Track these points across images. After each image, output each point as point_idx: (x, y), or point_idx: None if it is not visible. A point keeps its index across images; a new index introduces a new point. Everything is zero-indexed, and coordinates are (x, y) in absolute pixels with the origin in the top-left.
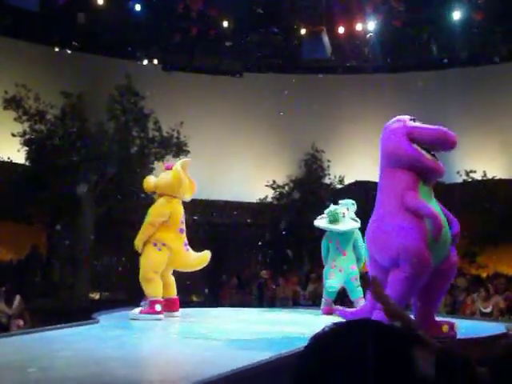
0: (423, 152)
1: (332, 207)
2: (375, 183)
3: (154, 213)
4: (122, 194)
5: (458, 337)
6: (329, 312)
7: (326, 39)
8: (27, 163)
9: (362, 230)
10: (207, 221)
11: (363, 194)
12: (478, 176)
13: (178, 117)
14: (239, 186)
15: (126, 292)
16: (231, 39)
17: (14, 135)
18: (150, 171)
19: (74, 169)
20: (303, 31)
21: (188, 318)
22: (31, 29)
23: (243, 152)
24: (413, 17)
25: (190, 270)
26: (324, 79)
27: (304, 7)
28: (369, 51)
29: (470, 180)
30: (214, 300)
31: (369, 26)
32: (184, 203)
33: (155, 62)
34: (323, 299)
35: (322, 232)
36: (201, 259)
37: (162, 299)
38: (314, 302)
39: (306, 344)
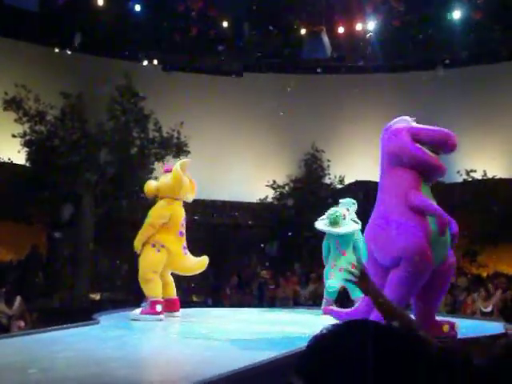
0: (427, 151)
1: (332, 209)
2: (375, 183)
3: (155, 214)
4: (122, 195)
5: (459, 337)
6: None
7: (325, 39)
8: (27, 164)
9: (363, 230)
10: (207, 221)
11: (363, 194)
12: (478, 175)
13: (178, 117)
14: (239, 186)
15: (127, 292)
16: (231, 39)
17: (14, 136)
18: (150, 172)
19: (74, 169)
20: (303, 31)
21: (188, 319)
22: (31, 29)
23: (243, 152)
24: (412, 17)
25: (186, 274)
26: (324, 79)
27: (304, 7)
28: (369, 51)
29: (470, 179)
30: (214, 300)
31: (369, 25)
32: (184, 204)
33: (155, 62)
34: (324, 299)
35: (321, 232)
36: (198, 264)
37: (162, 299)
38: (314, 301)
39: (306, 345)
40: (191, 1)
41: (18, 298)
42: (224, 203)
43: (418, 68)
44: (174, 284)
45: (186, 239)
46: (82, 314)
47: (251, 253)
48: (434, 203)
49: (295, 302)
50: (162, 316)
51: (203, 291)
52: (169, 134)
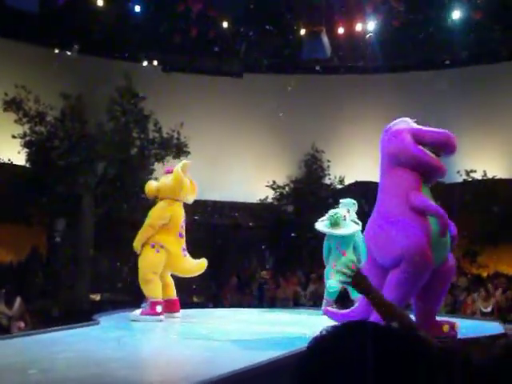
0: (428, 152)
1: (333, 211)
2: (375, 183)
3: (155, 215)
4: (123, 195)
5: (459, 337)
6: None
7: (325, 39)
8: (27, 165)
9: (363, 230)
10: (207, 221)
11: (363, 195)
12: (478, 176)
13: (177, 118)
14: (239, 187)
15: (127, 293)
16: (231, 40)
17: (14, 137)
18: (150, 172)
19: (74, 170)
20: (303, 31)
21: (188, 319)
22: (31, 30)
23: (243, 152)
24: (412, 17)
25: (185, 276)
26: (324, 79)
27: (304, 7)
28: (369, 51)
29: (470, 180)
30: (214, 300)
31: (369, 26)
32: (184, 204)
33: (155, 63)
34: (324, 299)
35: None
36: (197, 266)
37: (162, 300)
38: (314, 302)
39: (306, 346)
40: (191, 1)
41: (18, 299)
42: (224, 204)
43: (418, 68)
44: (173, 285)
45: (186, 240)
46: (83, 314)
47: (251, 253)
48: (434, 204)
49: (295, 303)
50: (162, 317)
51: (204, 292)
52: (169, 134)
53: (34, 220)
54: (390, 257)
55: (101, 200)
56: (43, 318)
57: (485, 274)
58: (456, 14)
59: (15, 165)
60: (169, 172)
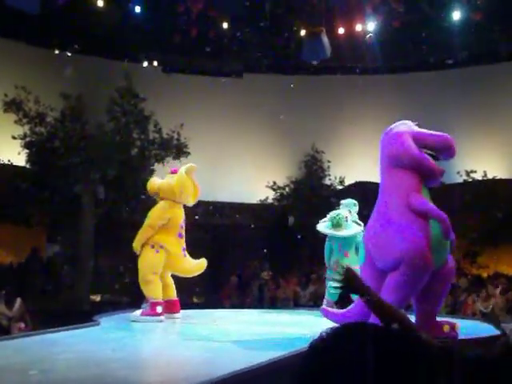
0: (427, 156)
1: (334, 212)
2: (375, 184)
3: (154, 216)
4: (123, 196)
5: (459, 337)
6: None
7: (325, 40)
8: (28, 166)
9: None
10: (208, 222)
11: (363, 195)
12: (478, 176)
13: (178, 118)
14: (239, 187)
15: (127, 294)
16: (231, 40)
17: (14, 138)
18: (151, 173)
19: (74, 171)
20: (303, 32)
21: (188, 320)
22: (31, 31)
23: (243, 153)
24: (412, 17)
25: (185, 276)
26: (324, 80)
27: (304, 8)
28: (368, 52)
29: (470, 180)
30: (214, 301)
31: (368, 26)
32: (185, 205)
33: (155, 63)
34: (324, 299)
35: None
36: (197, 266)
37: (162, 301)
38: (314, 303)
39: (306, 347)
40: (191, 2)
41: (19, 300)
42: (224, 204)
43: (418, 69)
44: (174, 285)
45: (187, 240)
46: (83, 315)
47: (251, 254)
48: (435, 207)
49: (295, 303)
50: (162, 317)
51: (204, 293)
52: (169, 135)
53: (34, 221)
54: (389, 259)
55: (101, 201)
56: (43, 319)
57: (485, 275)
58: (456, 15)
59: (15, 165)
60: (174, 172)
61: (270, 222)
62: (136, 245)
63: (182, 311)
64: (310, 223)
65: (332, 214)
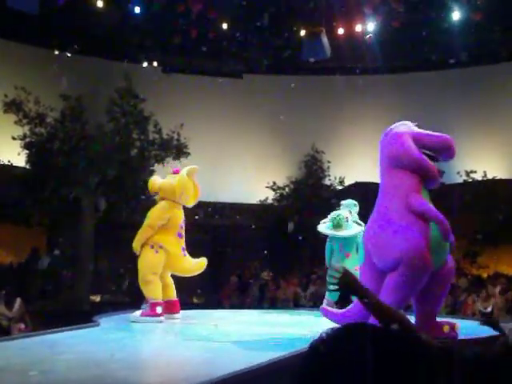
0: (427, 157)
1: (335, 212)
2: (375, 184)
3: (154, 216)
4: (123, 197)
5: (459, 337)
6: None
7: (325, 40)
8: (27, 166)
9: None
10: (208, 222)
11: (363, 196)
12: (478, 176)
13: (177, 119)
14: (239, 188)
15: (127, 294)
16: (230, 41)
17: (14, 138)
18: (151, 173)
19: (74, 171)
20: (303, 32)
21: (188, 320)
22: (31, 31)
23: (243, 153)
24: (412, 18)
25: (185, 275)
26: (324, 80)
27: (303, 8)
28: (368, 52)
29: (470, 180)
30: (214, 301)
31: (368, 26)
32: (184, 205)
33: (155, 64)
34: (325, 299)
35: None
36: (197, 265)
37: (162, 301)
38: (314, 303)
39: (306, 348)
40: (191, 3)
41: (18, 300)
42: (224, 205)
43: (418, 69)
44: (173, 286)
45: (187, 241)
46: (83, 316)
47: (251, 254)
48: (434, 208)
49: (296, 304)
50: (162, 318)
51: (204, 293)
52: (169, 135)
53: (34, 221)
54: (388, 259)
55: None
56: (43, 320)
57: (485, 275)
58: (456, 15)
59: (15, 166)
60: (175, 172)
61: (270, 223)
62: (136, 245)
63: (181, 311)
64: (310, 223)
65: (333, 214)
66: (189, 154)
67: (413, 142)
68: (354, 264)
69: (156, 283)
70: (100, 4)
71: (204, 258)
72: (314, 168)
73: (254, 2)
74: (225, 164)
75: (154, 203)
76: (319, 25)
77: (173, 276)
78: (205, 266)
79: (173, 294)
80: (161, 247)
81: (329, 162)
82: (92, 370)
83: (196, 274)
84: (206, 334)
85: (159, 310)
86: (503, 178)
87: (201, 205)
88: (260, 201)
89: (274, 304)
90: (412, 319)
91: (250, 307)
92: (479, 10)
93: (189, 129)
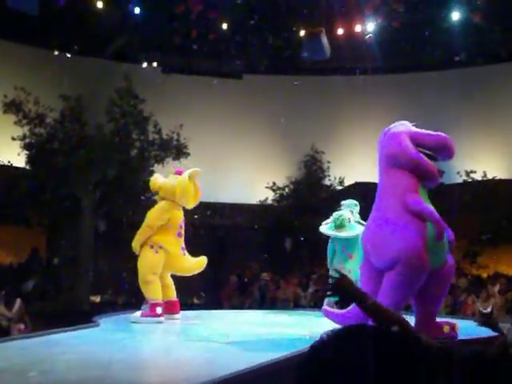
0: (425, 157)
1: (337, 213)
2: (375, 184)
3: (153, 216)
4: (123, 197)
5: (459, 337)
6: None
7: (325, 40)
8: (27, 167)
9: None
10: (207, 222)
11: (363, 196)
12: (478, 176)
13: (177, 119)
14: (239, 188)
15: (127, 295)
16: (230, 41)
17: (13, 139)
18: (150, 174)
19: (73, 172)
20: (302, 32)
21: (188, 321)
22: (30, 32)
23: (243, 154)
24: (412, 18)
25: (185, 275)
26: (324, 80)
27: (303, 8)
28: (368, 52)
29: (470, 180)
30: (214, 302)
31: (368, 27)
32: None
33: (154, 64)
34: (325, 300)
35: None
36: (197, 264)
37: (162, 302)
38: (315, 303)
39: (307, 349)
40: (190, 3)
41: (18, 301)
42: (224, 205)
43: (418, 69)
44: (173, 286)
45: (186, 241)
46: (83, 316)
47: (251, 254)
48: (432, 208)
49: (296, 304)
50: (162, 318)
51: (205, 294)
52: (168, 136)
53: (34, 222)
54: (385, 258)
55: (101, 202)
56: (43, 320)
57: (485, 275)
58: (455, 15)
59: (15, 167)
60: (178, 173)
61: (270, 223)
62: (135, 245)
63: (181, 312)
64: (310, 224)
65: (335, 215)
66: (188, 154)
67: (411, 141)
68: (357, 265)
69: (156, 283)
70: (100, 5)
71: (203, 256)
72: (313, 168)
73: (254, 2)
74: (224, 164)
75: (153, 203)
76: (319, 25)
77: (173, 276)
78: (205, 265)
79: (173, 295)
80: (160, 247)
81: (328, 162)
82: (92, 371)
83: (196, 272)
84: (207, 335)
85: (159, 310)
86: (503, 178)
87: (201, 205)
88: (260, 201)
89: (274, 304)
90: (412, 319)
91: (250, 307)
92: (479, 10)
93: (188, 129)
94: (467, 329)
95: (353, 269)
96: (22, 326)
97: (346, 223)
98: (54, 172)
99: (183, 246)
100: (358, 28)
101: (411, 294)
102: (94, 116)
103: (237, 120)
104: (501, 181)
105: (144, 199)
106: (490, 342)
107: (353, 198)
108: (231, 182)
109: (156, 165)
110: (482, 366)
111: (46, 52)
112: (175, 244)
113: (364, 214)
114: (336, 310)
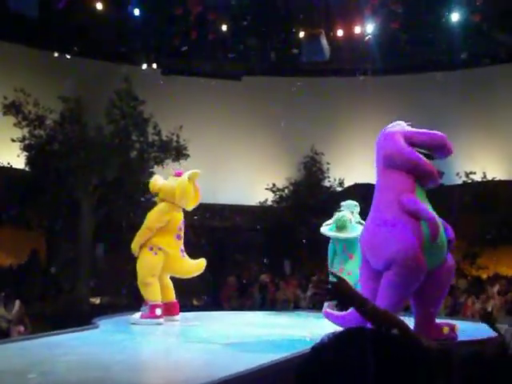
0: (421, 156)
1: (339, 214)
2: (374, 186)
3: (152, 218)
4: (122, 199)
5: (459, 339)
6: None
7: (324, 42)
8: (27, 168)
9: None
10: (207, 224)
11: (362, 197)
12: (477, 177)
13: (177, 121)
14: (239, 190)
15: (127, 297)
16: (230, 43)
17: (13, 140)
18: (150, 175)
19: (73, 174)
20: (302, 34)
21: (188, 322)
22: (30, 33)
23: (243, 155)
24: (411, 19)
25: (184, 277)
26: (323, 82)
27: (303, 10)
28: (368, 54)
29: (469, 181)
30: (213, 303)
31: (367, 28)
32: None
33: (154, 66)
34: (326, 302)
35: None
36: (196, 266)
37: (161, 303)
38: (313, 306)
39: (307, 352)
40: (190, 5)
41: (18, 303)
42: (224, 206)
43: (418, 70)
44: (173, 288)
45: (186, 243)
46: (83, 318)
47: (251, 256)
48: (429, 208)
49: (296, 305)
50: (161, 320)
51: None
52: (168, 137)
53: (34, 223)
54: (382, 260)
55: (101, 203)
56: (43, 322)
57: (484, 276)
58: (455, 17)
59: (15, 168)
60: (177, 175)
61: (270, 224)
62: (134, 246)
63: (181, 313)
64: (310, 225)
65: (336, 216)
66: (188, 155)
67: (406, 140)
68: (357, 265)
69: (155, 285)
70: (99, 6)
71: (203, 258)
72: (313, 170)
73: (254, 4)
74: (224, 166)
75: (153, 205)
76: (318, 27)
77: (172, 278)
78: (204, 267)
79: (172, 296)
80: (160, 249)
81: (328, 163)
82: (92, 372)
83: (195, 275)
84: (206, 336)
85: (159, 312)
86: (503, 179)
87: (200, 206)
88: (259, 202)
89: (273, 305)
90: (411, 321)
91: (250, 309)
92: (478, 12)
93: (188, 131)
94: (467, 330)
95: (352, 270)
96: (21, 328)
97: (347, 224)
98: (54, 174)
99: (182, 248)
100: (357, 29)
101: (409, 294)
102: (93, 117)
103: (236, 121)
104: (500, 182)
105: (144, 201)
106: (489, 342)
107: (352, 200)
108: (231, 184)
109: (156, 166)
110: (480, 366)
111: (45, 53)
112: (174, 246)
113: (364, 216)
114: (336, 312)
